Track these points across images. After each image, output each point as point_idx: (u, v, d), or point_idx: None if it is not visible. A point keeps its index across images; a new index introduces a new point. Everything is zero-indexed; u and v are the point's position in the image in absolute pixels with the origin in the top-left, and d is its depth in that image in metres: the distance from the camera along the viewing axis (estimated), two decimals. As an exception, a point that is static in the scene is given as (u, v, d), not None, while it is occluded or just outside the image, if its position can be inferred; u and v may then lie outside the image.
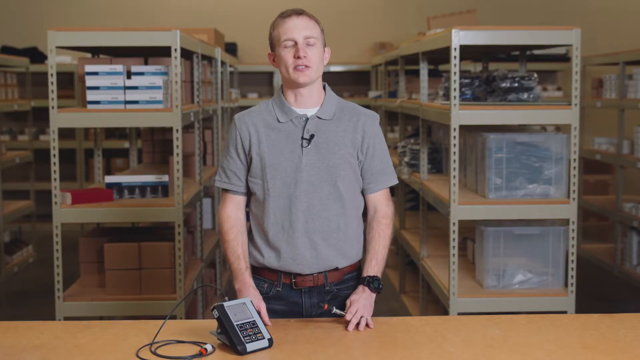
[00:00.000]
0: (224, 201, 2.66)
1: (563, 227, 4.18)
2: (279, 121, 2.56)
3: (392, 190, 8.15)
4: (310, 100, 2.57)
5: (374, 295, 2.55)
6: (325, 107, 2.58)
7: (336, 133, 2.56)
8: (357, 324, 2.43)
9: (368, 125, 2.60)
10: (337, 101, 2.63)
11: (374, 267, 2.59)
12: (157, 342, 2.26)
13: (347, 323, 2.44)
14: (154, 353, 2.20)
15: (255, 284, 2.61)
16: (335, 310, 2.48)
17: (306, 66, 2.49)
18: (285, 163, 2.53)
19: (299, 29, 2.50)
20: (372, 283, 2.55)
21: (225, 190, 2.65)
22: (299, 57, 2.48)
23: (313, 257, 2.55)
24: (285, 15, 2.54)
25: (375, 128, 2.62)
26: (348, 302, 2.51)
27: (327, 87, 2.64)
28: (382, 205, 2.65)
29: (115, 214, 4.23)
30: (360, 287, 2.56)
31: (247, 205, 2.67)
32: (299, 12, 2.54)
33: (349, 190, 2.58)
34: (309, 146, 2.53)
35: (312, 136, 2.53)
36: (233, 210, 2.63)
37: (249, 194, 2.64)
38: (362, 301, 2.49)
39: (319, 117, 2.56)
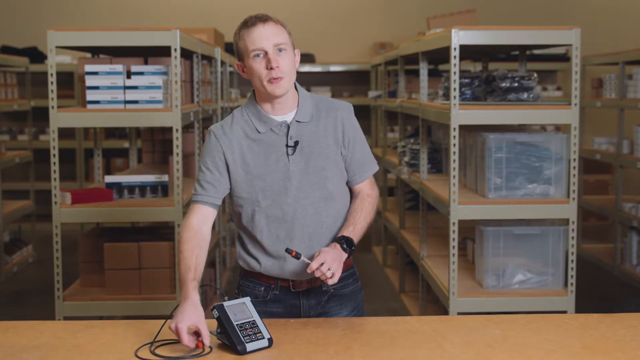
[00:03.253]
0: (190, 211, 2.51)
1: (563, 227, 4.18)
2: (258, 132, 2.49)
3: (392, 190, 8.17)
4: (287, 106, 2.51)
5: (344, 254, 2.45)
6: (302, 109, 2.52)
7: (317, 133, 2.51)
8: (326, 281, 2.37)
9: (345, 118, 2.55)
10: (310, 98, 2.57)
11: (351, 232, 2.50)
12: (157, 342, 2.26)
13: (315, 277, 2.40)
14: (154, 353, 2.20)
15: (252, 287, 2.60)
16: (303, 257, 2.42)
17: (280, 77, 2.42)
18: (272, 173, 2.48)
19: (266, 37, 2.41)
20: (344, 242, 2.46)
21: (195, 202, 2.51)
22: (271, 68, 2.40)
23: (312, 260, 2.53)
24: (249, 24, 2.44)
25: (352, 120, 2.58)
26: (317, 252, 2.41)
27: (297, 86, 2.56)
28: (367, 189, 2.62)
29: (115, 213, 4.23)
30: (332, 244, 2.47)
31: (232, 219, 2.61)
32: (264, 19, 2.44)
33: (338, 188, 2.55)
34: (294, 153, 2.48)
35: (296, 143, 2.49)
36: (198, 221, 2.48)
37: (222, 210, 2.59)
38: (331, 253, 2.39)
39: (298, 121, 2.51)
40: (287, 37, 2.46)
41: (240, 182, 2.50)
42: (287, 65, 2.43)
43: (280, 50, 2.42)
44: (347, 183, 2.62)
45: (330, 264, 2.36)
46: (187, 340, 2.21)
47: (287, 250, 2.42)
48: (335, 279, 2.37)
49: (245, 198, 2.51)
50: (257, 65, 2.42)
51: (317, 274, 2.36)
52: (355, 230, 2.52)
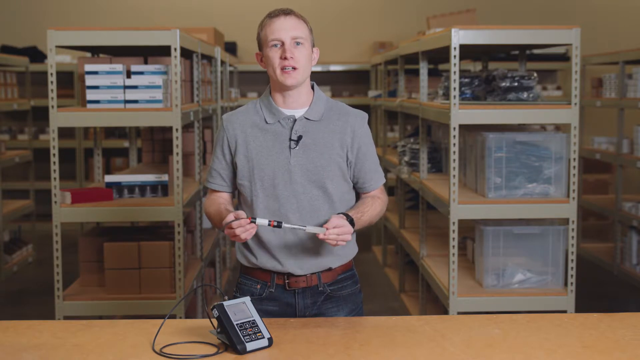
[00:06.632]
0: (207, 197, 2.69)
1: (563, 227, 4.18)
2: (266, 122, 2.54)
3: (392, 190, 8.16)
4: (299, 101, 2.55)
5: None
6: (313, 108, 2.56)
7: (324, 134, 2.54)
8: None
9: (357, 125, 2.58)
10: (326, 101, 2.60)
11: (355, 214, 2.50)
12: (165, 344, 2.26)
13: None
14: (161, 353, 2.19)
15: (248, 285, 2.61)
16: (310, 228, 2.39)
17: (293, 68, 2.47)
18: (273, 164, 2.51)
19: (286, 29, 2.48)
20: (347, 219, 2.44)
21: (209, 189, 2.67)
22: (285, 58, 2.47)
23: (306, 257, 2.54)
24: (273, 15, 2.52)
25: (365, 128, 2.60)
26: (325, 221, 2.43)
27: (315, 86, 2.61)
28: (378, 193, 2.65)
29: (115, 213, 4.23)
30: (339, 215, 2.45)
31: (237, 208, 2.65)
32: (287, 12, 2.52)
33: (338, 191, 2.56)
34: (297, 147, 2.51)
35: (299, 137, 2.52)
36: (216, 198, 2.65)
37: (237, 195, 2.64)
38: (342, 221, 2.39)
39: (306, 118, 2.54)
40: (307, 33, 2.53)
41: (241, 170, 2.56)
42: (302, 58, 2.49)
43: (297, 43, 2.49)
44: (357, 190, 2.63)
45: (344, 229, 2.37)
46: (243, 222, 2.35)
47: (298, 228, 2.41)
48: (347, 238, 2.38)
49: (245, 186, 2.56)
50: (273, 54, 2.49)
51: (332, 236, 2.35)
52: (357, 214, 2.51)
